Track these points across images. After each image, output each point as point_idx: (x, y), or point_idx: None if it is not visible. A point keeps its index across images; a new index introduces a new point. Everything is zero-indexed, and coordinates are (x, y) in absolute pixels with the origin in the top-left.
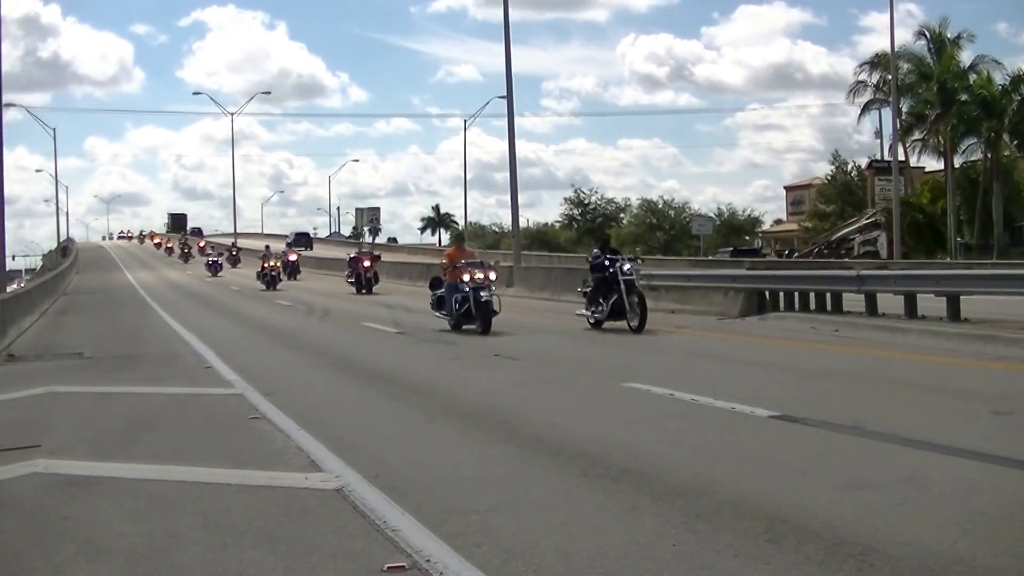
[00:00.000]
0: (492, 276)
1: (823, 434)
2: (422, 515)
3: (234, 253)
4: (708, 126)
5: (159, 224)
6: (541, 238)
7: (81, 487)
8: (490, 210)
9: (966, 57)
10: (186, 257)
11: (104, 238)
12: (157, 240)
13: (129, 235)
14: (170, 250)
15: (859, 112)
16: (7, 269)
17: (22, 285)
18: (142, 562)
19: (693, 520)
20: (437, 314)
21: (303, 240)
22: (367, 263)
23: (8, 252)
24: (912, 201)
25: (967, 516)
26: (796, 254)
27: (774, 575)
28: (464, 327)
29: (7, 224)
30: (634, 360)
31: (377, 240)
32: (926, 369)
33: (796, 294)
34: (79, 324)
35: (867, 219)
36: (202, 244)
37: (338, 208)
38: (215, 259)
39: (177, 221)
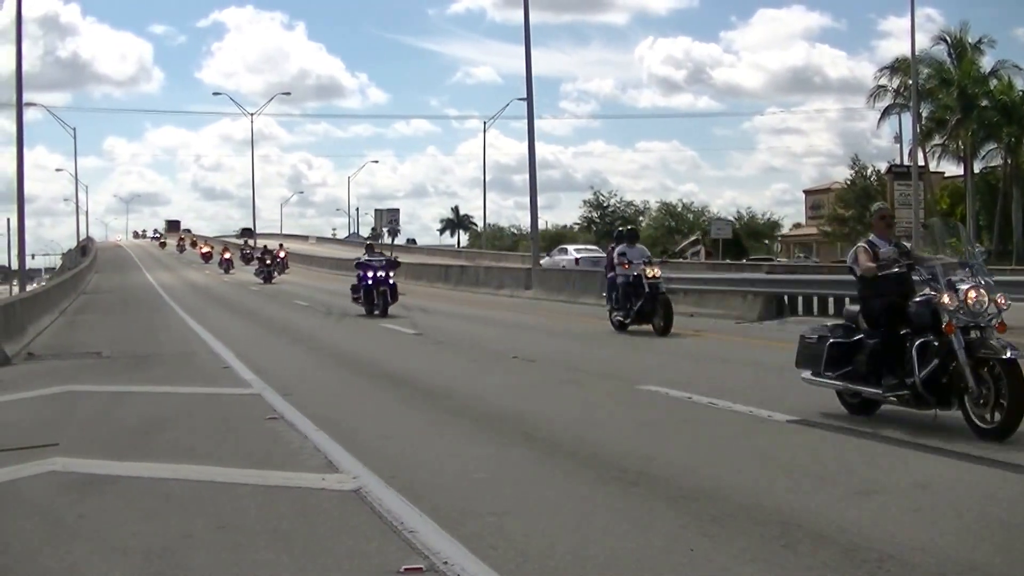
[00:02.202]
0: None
1: (839, 439)
2: (438, 517)
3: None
4: (726, 129)
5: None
6: (560, 240)
7: (97, 486)
8: (508, 212)
9: (986, 62)
10: (267, 274)
11: (135, 235)
12: (205, 249)
13: (161, 239)
14: (227, 262)
15: (879, 116)
16: (27, 268)
17: (42, 284)
18: (156, 561)
19: (709, 524)
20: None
21: (247, 233)
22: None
23: (28, 251)
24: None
25: (984, 523)
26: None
27: None
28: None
29: (27, 223)
30: (651, 363)
31: (396, 241)
32: None
33: (815, 299)
34: (97, 323)
35: (693, 238)
36: (282, 254)
37: (357, 209)
38: (379, 273)
39: (172, 227)
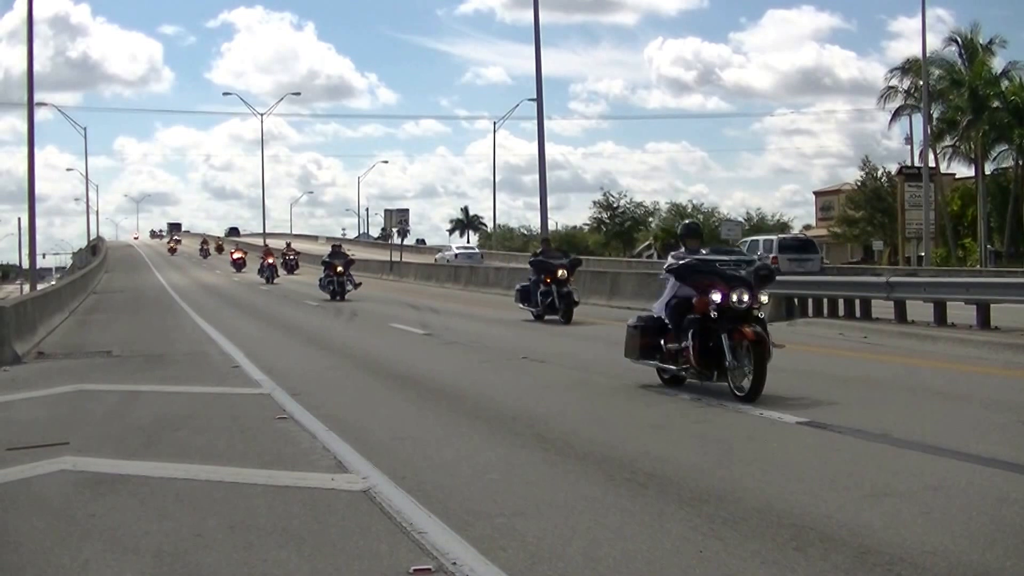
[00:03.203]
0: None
1: (850, 441)
2: (448, 518)
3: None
4: (736, 130)
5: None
6: (569, 241)
7: (108, 485)
8: (518, 212)
9: (998, 63)
10: (338, 286)
11: (153, 234)
12: (238, 254)
13: (172, 241)
14: (271, 268)
15: (889, 118)
16: (38, 267)
17: (52, 283)
18: (168, 560)
19: (719, 527)
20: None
21: (234, 233)
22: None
23: (38, 250)
24: None
25: (996, 526)
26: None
27: None
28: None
29: (38, 222)
30: None
31: (405, 242)
32: (955, 377)
33: (825, 300)
34: (108, 323)
35: (647, 243)
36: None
37: (367, 209)
38: (742, 297)
39: (174, 229)
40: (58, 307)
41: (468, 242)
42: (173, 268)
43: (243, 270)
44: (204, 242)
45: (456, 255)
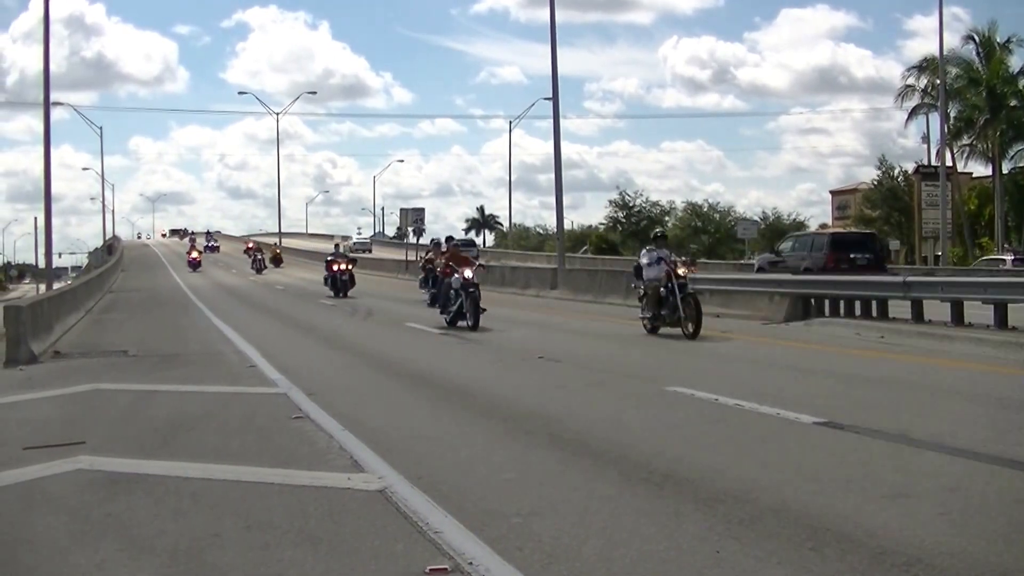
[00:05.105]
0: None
1: (868, 442)
2: (464, 517)
3: None
4: (752, 129)
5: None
6: (585, 240)
7: (124, 484)
8: (533, 211)
9: (1015, 62)
10: None
11: (182, 234)
12: (340, 265)
13: (196, 247)
14: (461, 292)
15: (906, 116)
16: (54, 267)
17: (68, 283)
18: (184, 560)
19: (736, 527)
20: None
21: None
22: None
23: (54, 250)
24: None
25: (1013, 528)
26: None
27: None
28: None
29: (54, 222)
30: (678, 364)
31: (421, 241)
32: (972, 377)
33: (841, 300)
34: (124, 322)
35: (585, 248)
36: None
37: (382, 208)
38: None
39: (176, 235)
40: (74, 306)
41: (484, 242)
42: (188, 267)
43: (350, 291)
44: (255, 249)
45: (353, 246)
